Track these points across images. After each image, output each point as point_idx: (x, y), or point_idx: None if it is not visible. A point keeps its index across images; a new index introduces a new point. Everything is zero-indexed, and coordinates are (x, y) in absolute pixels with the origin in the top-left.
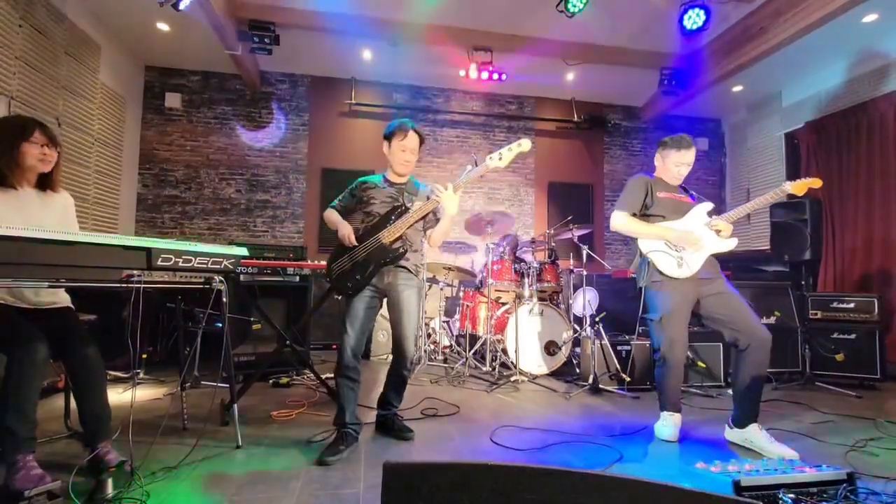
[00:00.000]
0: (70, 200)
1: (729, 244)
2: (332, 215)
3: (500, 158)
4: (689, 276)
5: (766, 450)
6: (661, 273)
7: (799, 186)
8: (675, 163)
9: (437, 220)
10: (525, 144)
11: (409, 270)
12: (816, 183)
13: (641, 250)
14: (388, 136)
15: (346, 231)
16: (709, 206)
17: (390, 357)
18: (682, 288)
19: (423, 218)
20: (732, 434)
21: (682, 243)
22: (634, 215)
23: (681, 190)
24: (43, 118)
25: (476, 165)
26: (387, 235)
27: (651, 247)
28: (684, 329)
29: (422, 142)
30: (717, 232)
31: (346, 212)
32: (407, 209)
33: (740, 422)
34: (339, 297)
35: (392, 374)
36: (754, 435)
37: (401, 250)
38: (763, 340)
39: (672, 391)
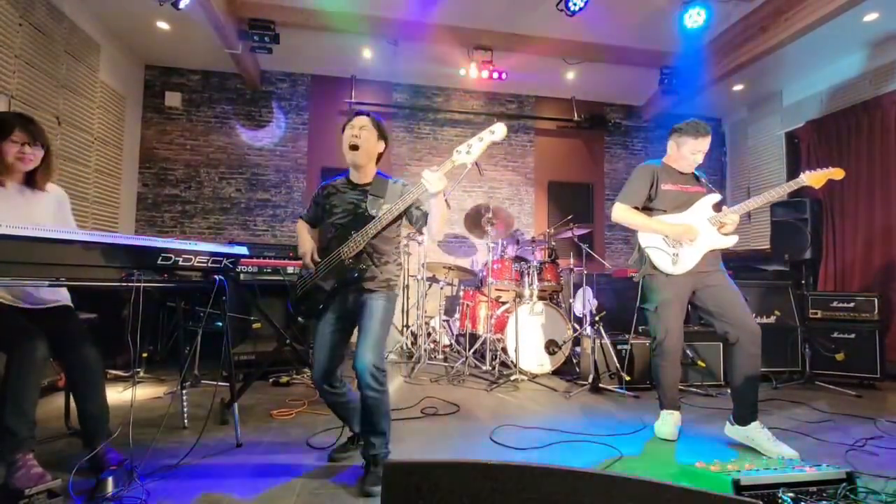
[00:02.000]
0: (64, 196)
1: (728, 241)
2: (299, 227)
3: (469, 152)
4: (683, 272)
5: (767, 449)
6: (655, 268)
7: (817, 178)
8: (692, 150)
9: (425, 213)
10: (498, 132)
11: (375, 290)
12: (838, 174)
13: (640, 243)
14: (343, 129)
15: (305, 249)
16: (715, 198)
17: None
18: (678, 279)
19: (399, 219)
20: (733, 431)
21: (678, 238)
22: (637, 207)
23: (692, 178)
24: (43, 117)
25: (477, 165)
26: (346, 251)
27: (648, 242)
28: (680, 319)
29: (377, 127)
30: (721, 226)
31: (314, 222)
32: (370, 216)
33: (741, 419)
34: (302, 320)
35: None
36: (755, 434)
37: (361, 267)
38: (752, 334)
39: (670, 386)
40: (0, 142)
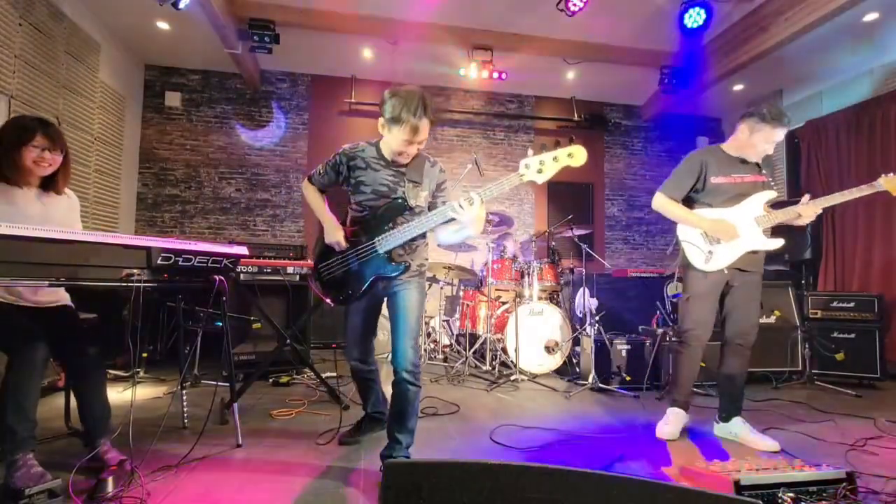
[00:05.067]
0: (75, 201)
1: (772, 244)
2: (314, 198)
3: (541, 171)
4: (716, 270)
5: (751, 441)
6: (689, 263)
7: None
8: (766, 139)
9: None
10: (579, 156)
11: (407, 277)
12: None
13: (678, 235)
14: (395, 120)
15: (337, 238)
16: (769, 195)
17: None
18: (715, 274)
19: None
20: (719, 429)
21: (716, 234)
22: (676, 199)
23: (754, 167)
24: (47, 118)
25: (477, 164)
26: (382, 244)
27: (685, 235)
28: (711, 313)
29: (432, 124)
30: (797, 217)
31: (325, 188)
32: (407, 206)
33: (727, 416)
34: (333, 305)
35: (393, 390)
36: (738, 428)
37: (406, 263)
38: (747, 336)
39: (685, 381)
40: (21, 146)
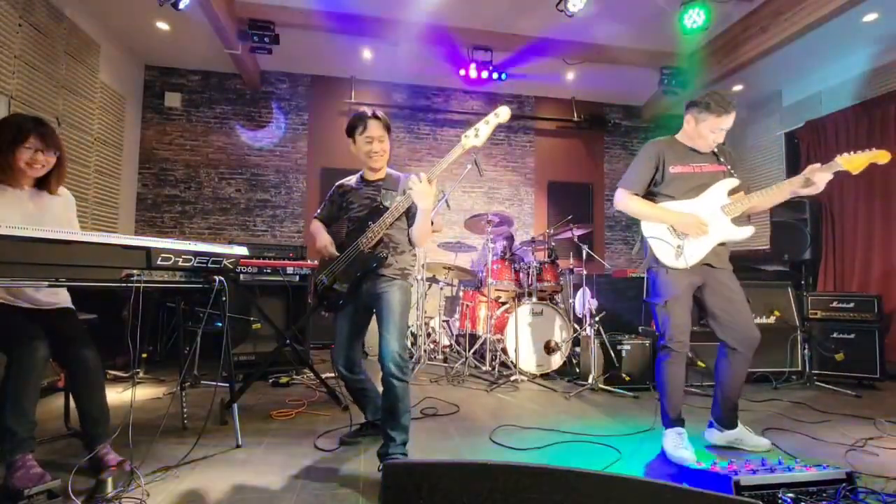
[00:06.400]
0: (71, 200)
1: (742, 233)
2: (314, 227)
3: (477, 135)
4: (686, 266)
5: (752, 444)
6: (658, 261)
7: (855, 161)
8: (711, 128)
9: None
10: (503, 113)
11: (390, 277)
12: (882, 157)
13: (643, 233)
14: (350, 132)
15: (323, 243)
16: (732, 183)
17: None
18: (687, 271)
19: (406, 215)
20: (717, 437)
21: (684, 229)
22: (638, 193)
23: (710, 156)
24: (43, 118)
25: (477, 164)
26: (365, 242)
27: (651, 232)
28: (689, 315)
29: (388, 128)
30: (807, 184)
31: (329, 220)
32: (385, 208)
33: (730, 423)
34: (326, 314)
35: (382, 387)
36: (743, 434)
37: (382, 255)
38: (753, 341)
39: (676, 393)
40: (14, 147)
